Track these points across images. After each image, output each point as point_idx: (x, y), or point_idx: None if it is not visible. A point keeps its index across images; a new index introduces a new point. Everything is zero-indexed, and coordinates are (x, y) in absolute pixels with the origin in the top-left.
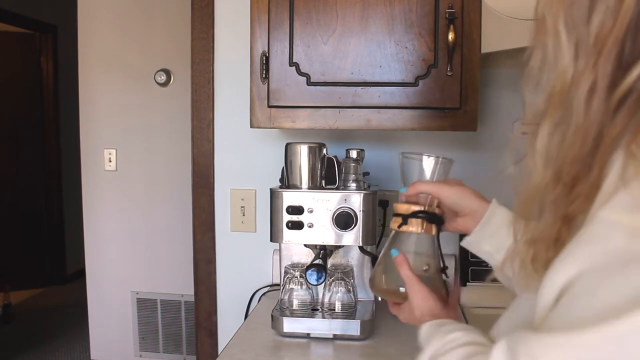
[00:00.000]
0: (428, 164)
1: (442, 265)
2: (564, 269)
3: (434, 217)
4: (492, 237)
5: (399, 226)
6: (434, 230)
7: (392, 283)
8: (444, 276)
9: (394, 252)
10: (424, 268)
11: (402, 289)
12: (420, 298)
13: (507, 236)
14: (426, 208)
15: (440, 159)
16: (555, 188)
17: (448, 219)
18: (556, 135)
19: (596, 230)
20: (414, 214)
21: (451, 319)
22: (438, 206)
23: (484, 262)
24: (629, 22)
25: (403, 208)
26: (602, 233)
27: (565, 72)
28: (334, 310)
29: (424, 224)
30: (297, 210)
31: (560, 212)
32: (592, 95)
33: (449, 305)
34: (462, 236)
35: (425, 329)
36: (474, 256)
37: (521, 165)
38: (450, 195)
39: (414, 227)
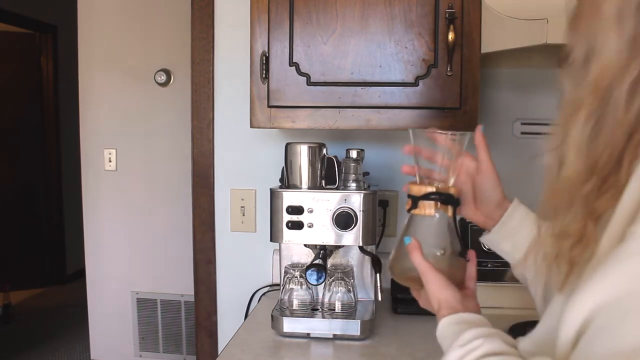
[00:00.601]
0: (443, 140)
1: (460, 247)
2: (592, 293)
3: (449, 198)
4: (511, 237)
5: (409, 210)
6: (450, 212)
7: (408, 269)
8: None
9: (407, 240)
10: (439, 252)
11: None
12: (435, 287)
13: (525, 237)
14: (440, 187)
15: (455, 135)
16: (588, 182)
17: (465, 204)
18: (591, 127)
19: (636, 247)
20: (426, 196)
21: (470, 312)
22: (453, 186)
23: (485, 262)
24: None
25: (415, 189)
26: None
27: (609, 63)
28: (334, 310)
29: (438, 206)
30: (297, 210)
31: (589, 207)
32: (634, 90)
33: (467, 290)
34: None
35: (443, 327)
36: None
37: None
38: (490, 179)
39: (427, 209)
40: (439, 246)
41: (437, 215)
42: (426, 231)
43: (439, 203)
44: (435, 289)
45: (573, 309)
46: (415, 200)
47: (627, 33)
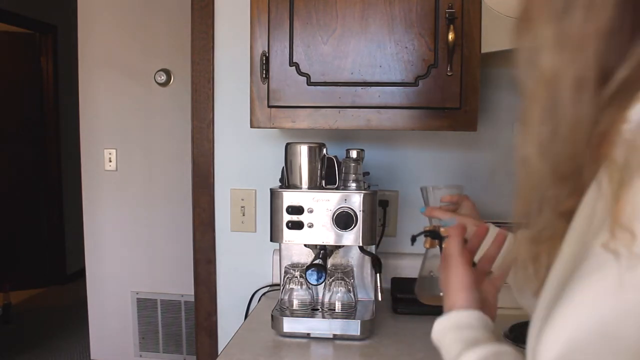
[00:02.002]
0: (434, 195)
1: None
2: (558, 329)
3: (433, 234)
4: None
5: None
6: (436, 244)
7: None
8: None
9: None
10: (430, 273)
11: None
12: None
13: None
14: (434, 227)
15: (432, 188)
16: (554, 184)
17: None
18: (549, 124)
19: (594, 265)
20: (420, 233)
21: (474, 314)
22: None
23: None
24: (609, 18)
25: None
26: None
27: (546, 67)
28: (334, 310)
29: (430, 240)
30: (297, 210)
31: (559, 209)
32: (579, 90)
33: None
34: None
35: (439, 328)
36: None
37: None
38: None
39: (426, 243)
40: (430, 269)
41: (434, 248)
42: (426, 259)
43: (429, 238)
44: (455, 278)
45: (545, 347)
46: (414, 237)
47: (559, 35)
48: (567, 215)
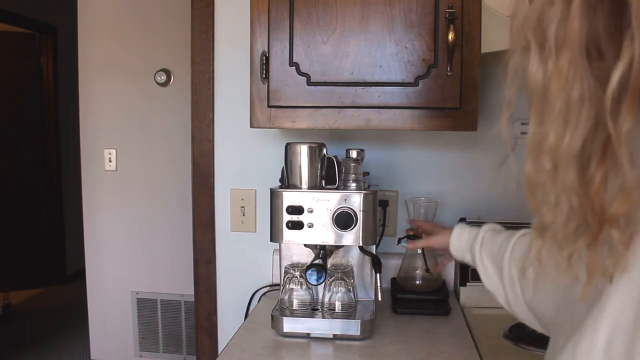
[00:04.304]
0: (416, 207)
1: (425, 266)
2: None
3: (411, 237)
4: (462, 252)
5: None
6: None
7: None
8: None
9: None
10: (413, 267)
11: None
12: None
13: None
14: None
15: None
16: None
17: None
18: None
19: None
20: (405, 237)
21: None
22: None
23: None
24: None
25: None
26: None
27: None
28: (334, 310)
29: (412, 242)
30: (297, 210)
31: (597, 203)
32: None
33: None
34: None
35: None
36: None
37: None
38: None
39: (410, 244)
40: (413, 263)
41: (411, 247)
42: (407, 255)
43: (412, 240)
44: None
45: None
46: (399, 239)
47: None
48: (612, 215)
